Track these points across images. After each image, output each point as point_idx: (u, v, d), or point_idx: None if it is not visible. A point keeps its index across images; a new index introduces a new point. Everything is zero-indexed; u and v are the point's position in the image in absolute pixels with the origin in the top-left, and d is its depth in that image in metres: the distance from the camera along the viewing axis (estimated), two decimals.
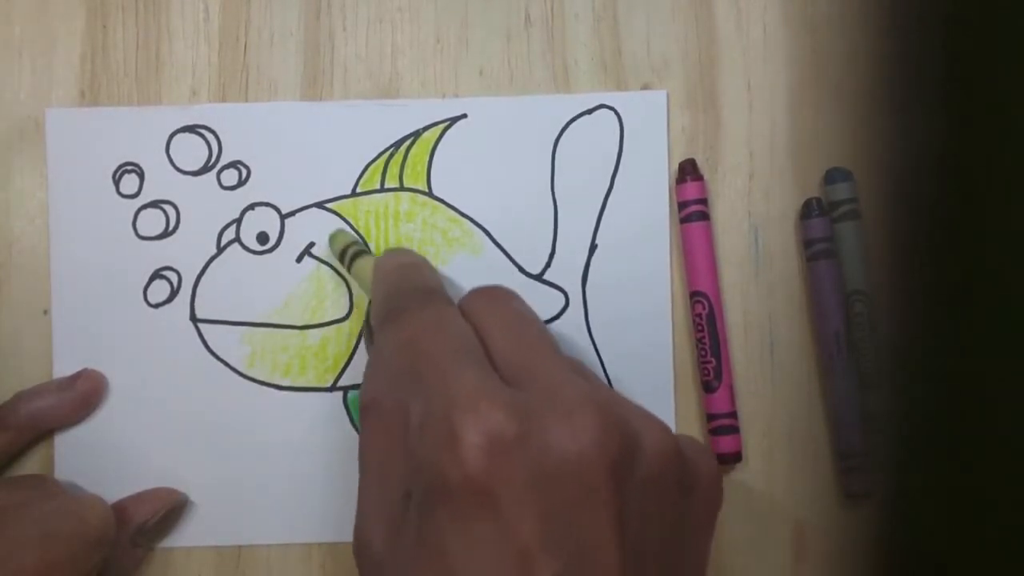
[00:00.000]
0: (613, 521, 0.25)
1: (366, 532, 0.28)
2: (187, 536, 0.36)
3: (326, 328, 0.37)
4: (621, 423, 0.26)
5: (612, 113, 0.37)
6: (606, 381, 0.37)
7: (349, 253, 0.35)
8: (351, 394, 0.37)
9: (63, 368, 0.36)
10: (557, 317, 0.37)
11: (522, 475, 0.25)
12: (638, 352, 0.37)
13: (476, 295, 0.31)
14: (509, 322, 0.30)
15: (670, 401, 0.37)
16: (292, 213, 0.37)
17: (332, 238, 0.36)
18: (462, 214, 0.37)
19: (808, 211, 0.36)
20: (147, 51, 0.37)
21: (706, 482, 0.28)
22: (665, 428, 0.27)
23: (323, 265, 0.37)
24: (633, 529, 0.25)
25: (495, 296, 0.31)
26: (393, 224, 0.37)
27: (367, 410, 0.29)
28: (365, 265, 0.35)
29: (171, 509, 0.36)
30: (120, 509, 0.35)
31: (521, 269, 0.37)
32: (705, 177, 0.37)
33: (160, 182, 0.37)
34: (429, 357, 0.27)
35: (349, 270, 0.36)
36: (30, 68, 0.37)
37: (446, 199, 0.37)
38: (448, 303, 0.30)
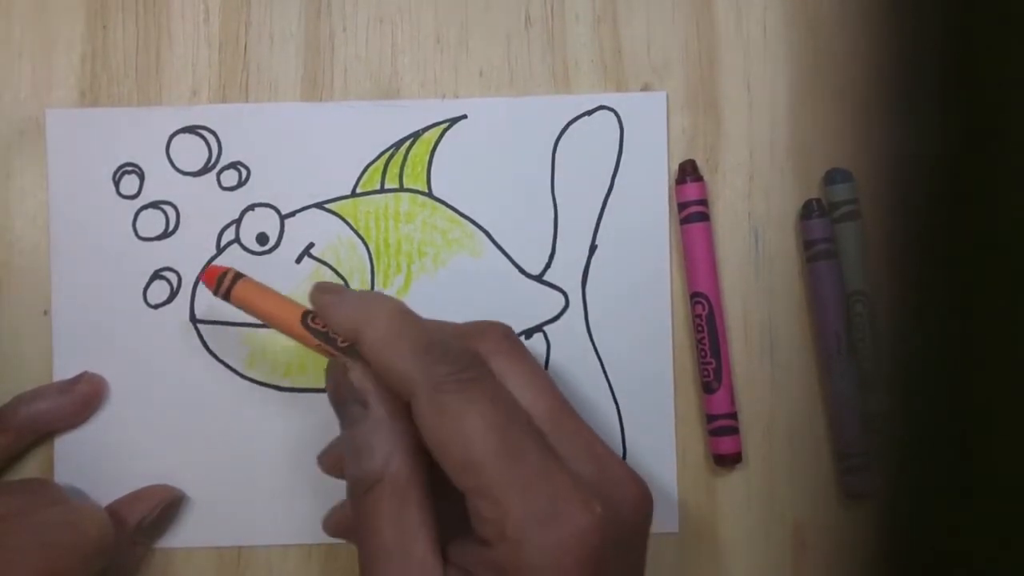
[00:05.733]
0: (644, 555, 0.30)
1: None
2: (187, 537, 0.36)
3: None
4: (646, 484, 0.30)
5: (612, 114, 0.37)
6: (607, 383, 0.37)
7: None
8: None
9: (63, 368, 0.36)
10: (557, 318, 0.37)
11: (613, 555, 0.27)
12: (638, 353, 0.37)
13: (504, 347, 0.31)
14: (544, 381, 0.30)
15: (670, 402, 0.37)
16: (292, 214, 0.37)
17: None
18: (462, 215, 0.37)
19: (808, 212, 0.36)
20: (147, 52, 0.37)
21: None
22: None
23: (323, 266, 0.37)
24: None
25: (520, 349, 0.31)
26: (393, 225, 0.37)
27: (378, 484, 0.28)
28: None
29: (168, 505, 0.36)
30: (116, 509, 0.35)
31: (521, 270, 0.37)
32: (705, 178, 0.37)
33: (160, 183, 0.37)
34: (510, 448, 0.27)
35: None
36: (30, 68, 0.37)
37: (446, 200, 0.37)
38: (493, 374, 0.29)
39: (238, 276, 0.33)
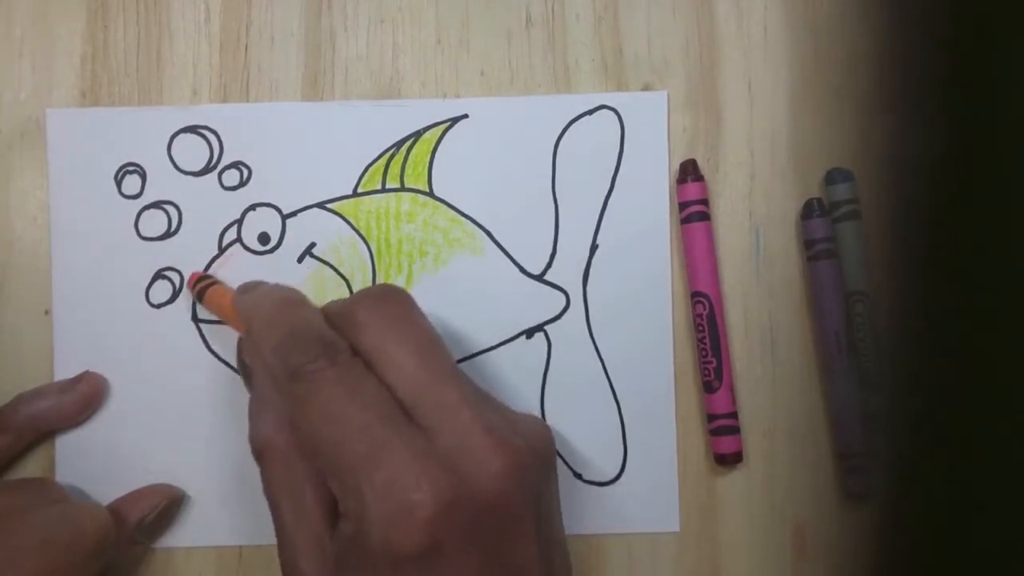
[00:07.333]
0: (533, 536, 0.29)
1: (298, 563, 0.30)
2: (187, 536, 0.36)
3: None
4: (523, 451, 0.29)
5: (613, 113, 0.37)
6: (608, 383, 0.37)
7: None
8: None
9: (64, 368, 0.36)
10: (558, 317, 0.37)
11: (461, 529, 0.27)
12: (639, 352, 0.37)
13: (373, 317, 0.30)
14: (410, 351, 0.30)
15: (671, 401, 0.37)
16: (293, 213, 0.37)
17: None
18: (463, 214, 0.37)
19: (809, 211, 0.36)
20: (148, 51, 0.37)
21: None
22: (536, 426, 0.31)
23: (324, 266, 0.37)
24: (542, 534, 0.29)
25: (392, 316, 0.31)
26: (394, 224, 0.37)
27: (264, 453, 0.31)
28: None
29: (168, 504, 0.36)
30: (117, 508, 0.35)
31: (522, 269, 0.37)
32: (706, 177, 0.37)
33: (162, 182, 0.37)
34: (351, 431, 0.28)
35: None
36: (30, 68, 0.37)
37: (447, 199, 0.37)
38: (350, 357, 0.30)
39: (211, 284, 0.36)
